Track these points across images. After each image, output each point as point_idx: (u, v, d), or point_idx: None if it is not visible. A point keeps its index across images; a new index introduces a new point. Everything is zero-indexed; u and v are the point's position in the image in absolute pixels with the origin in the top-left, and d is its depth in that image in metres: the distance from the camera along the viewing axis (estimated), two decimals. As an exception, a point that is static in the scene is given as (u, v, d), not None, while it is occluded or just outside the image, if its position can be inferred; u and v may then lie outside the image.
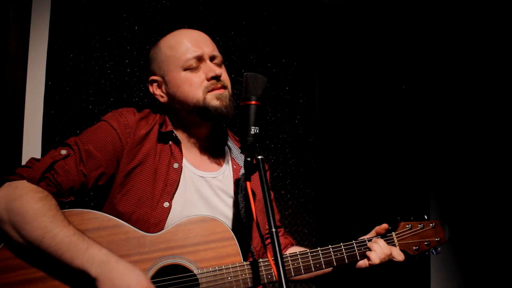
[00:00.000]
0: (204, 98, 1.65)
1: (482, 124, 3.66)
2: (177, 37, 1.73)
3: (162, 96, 1.73)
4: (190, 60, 1.66)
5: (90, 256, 1.37)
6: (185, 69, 1.67)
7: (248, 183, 1.49)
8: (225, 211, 1.71)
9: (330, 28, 3.44)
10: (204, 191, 1.69)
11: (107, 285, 1.35)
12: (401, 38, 3.73)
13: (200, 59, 1.68)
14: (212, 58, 1.71)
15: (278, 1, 3.23)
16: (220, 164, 1.79)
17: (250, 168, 1.48)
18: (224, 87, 1.69)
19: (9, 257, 1.40)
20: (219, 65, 1.73)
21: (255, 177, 1.47)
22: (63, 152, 1.53)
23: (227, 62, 1.81)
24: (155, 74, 1.74)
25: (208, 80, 1.67)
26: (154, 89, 1.75)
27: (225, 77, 1.72)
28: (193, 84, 1.65)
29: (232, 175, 1.79)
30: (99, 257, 1.37)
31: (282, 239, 1.93)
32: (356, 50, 3.54)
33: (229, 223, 1.70)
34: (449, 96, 3.82)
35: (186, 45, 1.69)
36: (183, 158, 1.69)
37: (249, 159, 1.47)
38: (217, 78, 1.67)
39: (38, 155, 2.22)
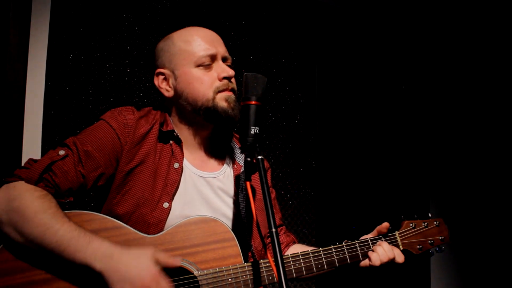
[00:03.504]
0: (214, 98, 1.63)
1: (482, 125, 3.66)
2: (192, 32, 1.72)
3: (168, 90, 1.70)
4: (204, 58, 1.65)
5: (93, 250, 1.36)
6: (198, 66, 1.65)
7: (248, 183, 1.48)
8: (225, 211, 1.70)
9: (329, 28, 3.43)
10: (204, 191, 1.68)
11: (115, 278, 1.34)
12: (401, 38, 3.73)
13: (213, 58, 1.67)
14: (224, 59, 1.71)
15: (278, 1, 3.22)
16: (221, 164, 1.78)
17: (250, 168, 1.48)
18: (233, 90, 1.69)
19: (9, 259, 1.39)
20: (230, 67, 1.71)
21: (256, 176, 1.46)
22: (62, 152, 1.52)
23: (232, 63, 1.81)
24: (163, 67, 1.71)
25: (220, 80, 1.66)
26: (159, 82, 1.72)
27: (234, 81, 1.71)
28: (205, 82, 1.64)
29: (233, 175, 1.78)
30: (101, 250, 1.37)
31: (283, 237, 1.92)
32: (356, 50, 3.53)
33: (229, 223, 1.69)
34: (450, 95, 3.81)
35: (200, 42, 1.67)
36: (184, 158, 1.68)
37: (249, 159, 1.47)
38: (229, 79, 1.67)
39: (38, 156, 2.22)
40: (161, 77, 1.71)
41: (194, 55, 1.65)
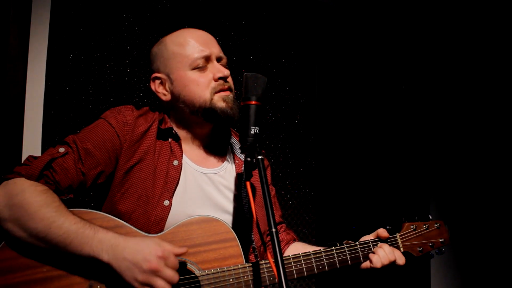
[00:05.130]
0: (211, 99, 1.64)
1: (482, 126, 3.66)
2: (184, 35, 1.72)
3: (165, 94, 1.71)
4: (198, 60, 1.66)
5: (99, 240, 1.36)
6: (193, 69, 1.66)
7: (248, 183, 1.48)
8: (227, 207, 1.71)
9: (329, 28, 3.43)
10: (206, 187, 1.68)
11: (123, 266, 1.34)
12: (401, 38, 3.73)
13: (207, 59, 1.68)
14: (218, 59, 1.71)
15: (278, 1, 3.22)
16: (222, 160, 1.78)
17: (250, 168, 1.48)
18: (230, 89, 1.69)
19: (10, 257, 1.38)
20: (225, 67, 1.72)
21: (256, 174, 1.46)
22: (62, 150, 1.53)
23: (227, 62, 1.81)
24: (159, 72, 1.72)
25: (216, 80, 1.66)
26: (156, 86, 1.73)
27: (230, 79, 1.72)
28: (200, 84, 1.65)
29: (234, 170, 1.79)
30: (107, 240, 1.37)
31: (284, 235, 1.92)
32: (356, 50, 3.53)
33: (231, 218, 1.69)
34: (450, 96, 3.81)
35: (194, 44, 1.68)
36: (184, 155, 1.69)
37: (249, 159, 1.47)
38: (224, 79, 1.67)
39: (37, 155, 2.22)
40: (158, 81, 1.73)
41: (188, 58, 1.66)
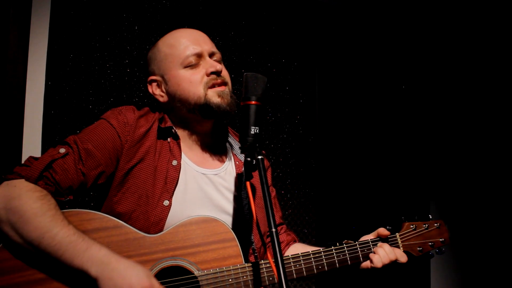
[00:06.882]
0: (205, 95, 1.65)
1: (482, 126, 3.65)
2: (175, 35, 1.74)
3: (162, 96, 1.73)
4: (189, 57, 1.67)
5: (90, 256, 1.36)
6: (185, 67, 1.67)
7: (248, 183, 1.48)
8: (227, 208, 1.70)
9: (329, 28, 3.43)
10: (206, 188, 1.68)
11: (107, 285, 1.34)
12: (401, 38, 3.73)
13: (199, 56, 1.69)
14: (211, 55, 1.72)
15: (278, 1, 3.22)
16: (222, 161, 1.78)
17: (250, 168, 1.48)
18: (224, 83, 1.70)
19: (8, 258, 1.38)
20: (218, 62, 1.73)
21: (257, 175, 1.46)
22: (62, 150, 1.53)
23: (227, 62, 1.82)
24: (154, 74, 1.74)
25: (208, 75, 1.67)
26: (153, 89, 1.74)
27: (225, 73, 1.72)
28: (193, 81, 1.66)
29: (234, 171, 1.79)
30: (98, 257, 1.36)
31: (284, 236, 1.92)
32: (356, 50, 3.53)
33: (231, 219, 1.69)
34: (450, 96, 3.81)
35: (185, 43, 1.69)
36: (184, 156, 1.69)
37: (249, 159, 1.47)
38: (217, 73, 1.68)
39: (38, 155, 2.22)
40: (154, 84, 1.74)
41: (179, 57, 1.67)
